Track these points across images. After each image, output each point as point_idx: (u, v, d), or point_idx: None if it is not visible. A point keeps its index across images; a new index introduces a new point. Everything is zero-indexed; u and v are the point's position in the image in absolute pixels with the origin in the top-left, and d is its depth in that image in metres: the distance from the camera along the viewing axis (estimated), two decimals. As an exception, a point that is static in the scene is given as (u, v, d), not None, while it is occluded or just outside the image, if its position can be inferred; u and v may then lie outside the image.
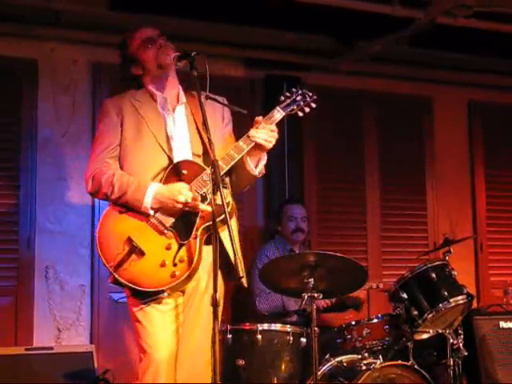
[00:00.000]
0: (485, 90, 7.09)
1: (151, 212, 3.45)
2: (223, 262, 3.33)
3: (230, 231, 3.10)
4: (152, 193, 3.44)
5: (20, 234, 5.51)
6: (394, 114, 6.80)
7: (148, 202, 3.44)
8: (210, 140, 3.28)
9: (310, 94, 3.72)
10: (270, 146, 3.57)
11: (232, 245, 3.12)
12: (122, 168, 3.59)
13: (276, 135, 3.59)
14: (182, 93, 3.74)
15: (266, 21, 5.72)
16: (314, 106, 3.72)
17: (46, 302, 5.50)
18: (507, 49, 6.32)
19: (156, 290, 3.41)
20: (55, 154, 5.62)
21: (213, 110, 3.66)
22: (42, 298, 5.51)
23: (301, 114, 3.71)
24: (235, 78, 6.25)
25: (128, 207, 3.50)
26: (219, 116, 3.76)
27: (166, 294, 3.42)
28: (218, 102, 3.69)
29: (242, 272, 3.14)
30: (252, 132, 3.54)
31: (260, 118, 3.61)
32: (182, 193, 3.39)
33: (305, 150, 6.36)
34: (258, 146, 3.55)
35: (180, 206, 3.40)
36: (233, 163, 3.50)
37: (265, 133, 3.53)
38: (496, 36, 5.93)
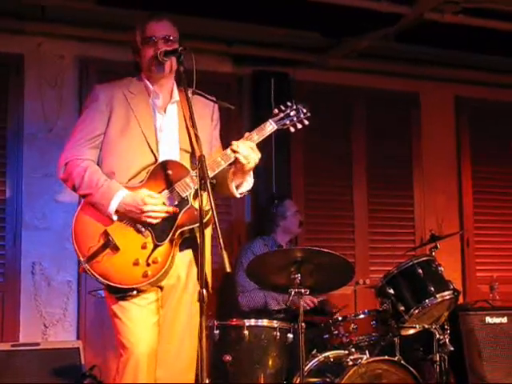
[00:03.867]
0: (472, 86, 7.11)
1: (115, 218, 3.41)
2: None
3: (217, 229, 3.04)
4: (118, 200, 3.39)
5: (6, 230, 5.49)
6: (381, 110, 6.81)
7: (112, 209, 3.39)
8: (196, 135, 3.25)
9: (305, 111, 3.71)
10: (248, 165, 3.50)
11: (220, 244, 2.99)
12: (104, 160, 3.53)
13: (256, 157, 3.52)
14: (175, 90, 3.69)
15: (254, 17, 5.71)
16: (306, 123, 3.71)
17: (32, 298, 5.49)
18: (494, 45, 6.33)
19: (126, 287, 3.39)
20: (42, 149, 5.60)
21: (202, 107, 3.63)
22: (29, 293, 5.49)
23: (292, 129, 3.69)
24: (223, 73, 6.24)
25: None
26: (208, 114, 3.73)
27: (135, 292, 3.40)
28: (206, 97, 3.66)
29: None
30: (229, 149, 3.49)
31: (247, 134, 3.56)
32: (145, 202, 3.36)
33: (292, 145, 6.36)
34: (239, 166, 3.51)
35: (145, 215, 3.35)
36: (218, 171, 3.47)
37: (244, 148, 3.48)
38: (483, 32, 5.94)
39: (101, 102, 3.56)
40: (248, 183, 3.68)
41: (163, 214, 3.39)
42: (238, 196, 3.67)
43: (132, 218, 3.40)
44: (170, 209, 3.39)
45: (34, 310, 5.49)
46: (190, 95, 3.36)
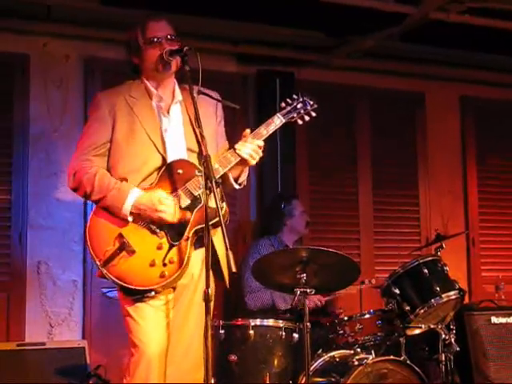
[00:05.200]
0: (477, 85, 7.10)
1: (130, 219, 3.42)
2: (214, 262, 3.33)
3: (222, 229, 3.06)
4: (132, 200, 3.41)
5: (12, 230, 5.49)
6: (386, 110, 6.80)
7: (127, 209, 3.41)
8: (201, 135, 3.26)
9: (311, 103, 3.72)
10: (253, 162, 3.55)
11: (226, 244, 3.03)
12: (114, 167, 3.54)
13: (261, 153, 3.56)
14: (177, 89, 3.69)
15: (259, 16, 5.71)
16: (314, 114, 3.73)
17: (38, 298, 5.49)
18: (500, 45, 6.32)
19: (144, 288, 3.39)
20: (47, 149, 5.60)
21: (206, 105, 3.63)
22: (34, 293, 5.50)
23: (300, 122, 3.71)
24: (227, 73, 6.24)
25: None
26: (212, 112, 3.73)
27: (153, 293, 3.40)
28: (211, 97, 3.66)
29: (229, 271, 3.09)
30: (238, 145, 3.52)
31: (248, 131, 3.58)
32: (162, 202, 3.38)
33: (297, 145, 6.34)
34: (242, 161, 3.53)
35: (160, 214, 3.37)
36: (229, 167, 3.49)
37: (251, 148, 3.52)
38: (489, 32, 5.93)
39: (103, 111, 3.57)
40: (245, 173, 3.70)
41: (175, 219, 3.40)
42: (237, 187, 3.68)
43: (146, 217, 3.41)
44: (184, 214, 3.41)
45: (39, 310, 5.49)
46: (195, 95, 3.37)
